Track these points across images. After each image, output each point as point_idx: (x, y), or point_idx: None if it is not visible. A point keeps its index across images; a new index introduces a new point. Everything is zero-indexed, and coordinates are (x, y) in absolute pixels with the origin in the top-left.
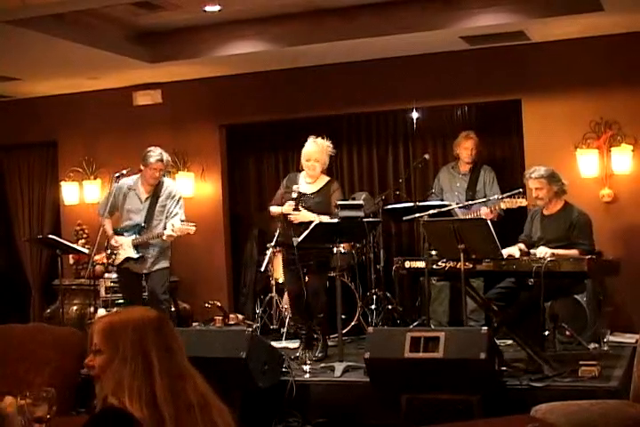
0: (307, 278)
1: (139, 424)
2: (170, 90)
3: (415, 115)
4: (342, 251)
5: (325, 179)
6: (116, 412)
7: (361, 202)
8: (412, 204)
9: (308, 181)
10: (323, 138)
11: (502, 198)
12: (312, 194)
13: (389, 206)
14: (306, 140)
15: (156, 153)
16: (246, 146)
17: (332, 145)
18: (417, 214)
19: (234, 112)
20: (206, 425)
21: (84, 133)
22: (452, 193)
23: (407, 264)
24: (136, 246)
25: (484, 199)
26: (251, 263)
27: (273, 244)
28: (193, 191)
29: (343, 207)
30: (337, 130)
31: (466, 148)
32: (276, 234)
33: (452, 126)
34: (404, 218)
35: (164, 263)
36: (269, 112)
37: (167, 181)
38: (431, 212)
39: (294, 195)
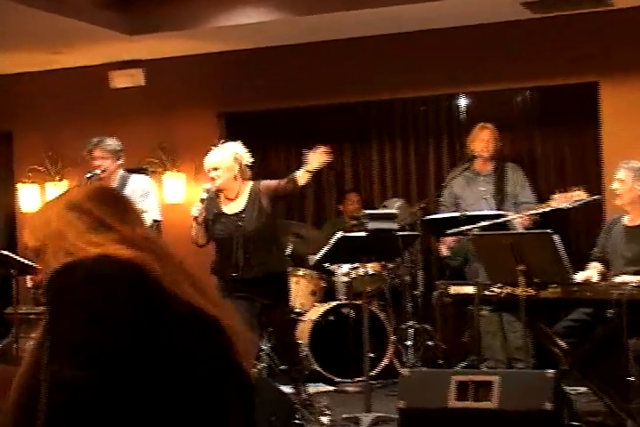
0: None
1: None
2: (155, 69)
3: (463, 102)
4: (370, 272)
5: (247, 188)
6: (100, 259)
7: (394, 211)
8: (457, 213)
9: (230, 198)
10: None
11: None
12: (237, 215)
13: (430, 217)
14: (325, 132)
15: (94, 139)
16: (250, 139)
17: (244, 151)
18: (465, 227)
19: (235, 97)
20: (188, 276)
21: (46, 123)
22: (477, 200)
23: (452, 290)
24: None
25: (550, 206)
26: None
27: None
28: (184, 196)
29: (372, 217)
30: (364, 121)
31: (482, 139)
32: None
33: (510, 116)
34: (449, 231)
35: None
36: (279, 97)
37: (133, 177)
38: (483, 224)
39: (203, 195)
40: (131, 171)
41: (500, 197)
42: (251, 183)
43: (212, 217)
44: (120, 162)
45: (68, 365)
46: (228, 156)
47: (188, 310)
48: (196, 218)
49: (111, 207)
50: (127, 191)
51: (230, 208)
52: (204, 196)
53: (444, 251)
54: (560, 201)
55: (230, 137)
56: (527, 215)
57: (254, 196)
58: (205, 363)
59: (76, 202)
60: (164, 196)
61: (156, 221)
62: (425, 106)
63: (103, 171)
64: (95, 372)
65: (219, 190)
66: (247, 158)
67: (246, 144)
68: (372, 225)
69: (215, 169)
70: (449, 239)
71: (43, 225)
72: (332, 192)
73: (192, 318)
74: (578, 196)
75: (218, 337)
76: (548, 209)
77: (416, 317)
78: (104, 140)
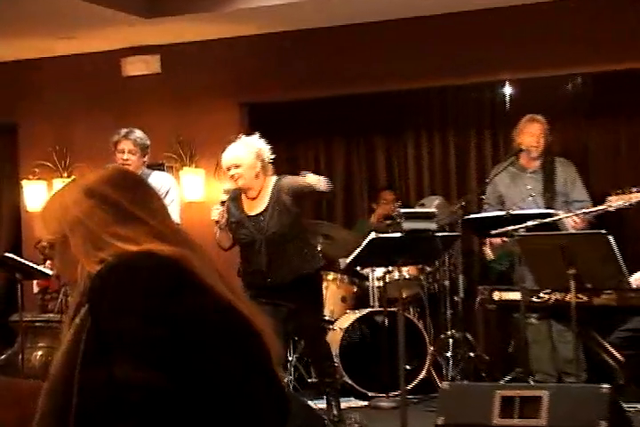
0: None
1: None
2: (172, 55)
3: (508, 90)
4: (406, 277)
5: (270, 184)
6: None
7: (433, 210)
8: (502, 212)
9: (251, 197)
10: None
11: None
12: (259, 215)
13: (472, 216)
14: (356, 123)
15: (123, 130)
16: (275, 132)
17: (266, 146)
18: (510, 227)
19: (259, 86)
20: (218, 273)
21: (54, 114)
22: (523, 198)
23: (496, 296)
24: None
25: (604, 206)
26: None
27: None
28: (203, 194)
29: (408, 217)
30: (400, 111)
31: (531, 134)
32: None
33: (560, 106)
34: (492, 232)
35: None
36: (306, 86)
37: (154, 174)
38: (530, 223)
39: (223, 197)
40: (148, 167)
41: (550, 195)
42: (273, 180)
43: (235, 220)
44: (145, 159)
45: (129, 365)
46: (250, 152)
47: (224, 308)
48: (217, 222)
49: (133, 193)
50: None
51: (252, 209)
52: (225, 197)
53: (488, 253)
54: (614, 201)
55: (253, 129)
56: (578, 215)
57: (276, 194)
58: (243, 367)
59: (94, 187)
60: (181, 193)
61: None
62: (466, 94)
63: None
64: (153, 371)
65: (241, 190)
66: (268, 154)
67: (271, 137)
68: (407, 225)
69: (237, 166)
70: (493, 241)
71: (59, 215)
72: (363, 189)
73: (229, 316)
74: (636, 197)
75: (252, 339)
76: (601, 208)
77: (456, 325)
78: (133, 131)
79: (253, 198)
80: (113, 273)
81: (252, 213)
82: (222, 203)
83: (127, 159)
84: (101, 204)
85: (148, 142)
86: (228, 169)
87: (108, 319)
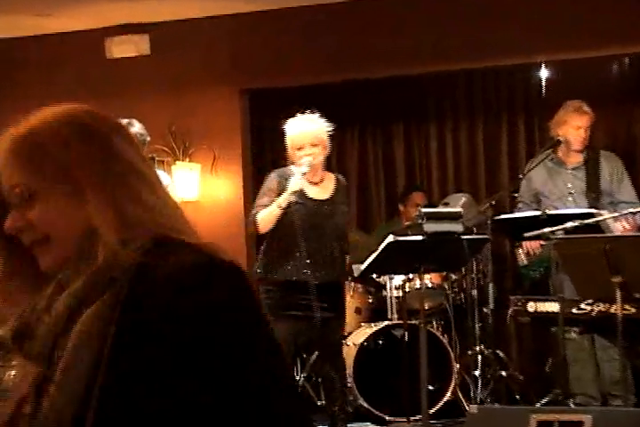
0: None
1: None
2: (163, 35)
3: (544, 73)
4: (429, 285)
5: (330, 177)
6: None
7: (459, 209)
8: (537, 212)
9: (314, 182)
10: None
11: None
12: (326, 202)
13: (503, 216)
14: (373, 111)
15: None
16: (280, 121)
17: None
18: (547, 229)
19: (262, 70)
20: None
21: (29, 101)
22: (562, 196)
23: (531, 307)
24: None
25: None
26: None
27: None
28: (198, 191)
29: (431, 217)
30: (422, 96)
31: (578, 126)
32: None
33: (604, 91)
34: (526, 234)
35: None
36: (315, 70)
37: None
38: (570, 224)
39: (304, 168)
40: None
41: (594, 195)
42: (332, 174)
43: (297, 200)
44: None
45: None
46: (326, 132)
47: None
48: (295, 192)
49: (133, 147)
50: None
51: (316, 194)
52: (306, 169)
53: (523, 259)
54: None
55: (255, 118)
56: (625, 215)
57: (344, 190)
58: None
59: (105, 133)
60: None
61: None
62: (497, 78)
63: None
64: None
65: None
66: None
67: (275, 127)
68: (430, 227)
69: (314, 145)
70: (529, 244)
71: (62, 160)
72: (380, 186)
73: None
74: None
75: None
76: None
77: (486, 340)
78: (133, 124)
79: (316, 184)
80: (171, 272)
81: (317, 198)
82: (304, 174)
83: None
84: (119, 161)
85: (149, 138)
86: (301, 148)
87: (164, 324)
